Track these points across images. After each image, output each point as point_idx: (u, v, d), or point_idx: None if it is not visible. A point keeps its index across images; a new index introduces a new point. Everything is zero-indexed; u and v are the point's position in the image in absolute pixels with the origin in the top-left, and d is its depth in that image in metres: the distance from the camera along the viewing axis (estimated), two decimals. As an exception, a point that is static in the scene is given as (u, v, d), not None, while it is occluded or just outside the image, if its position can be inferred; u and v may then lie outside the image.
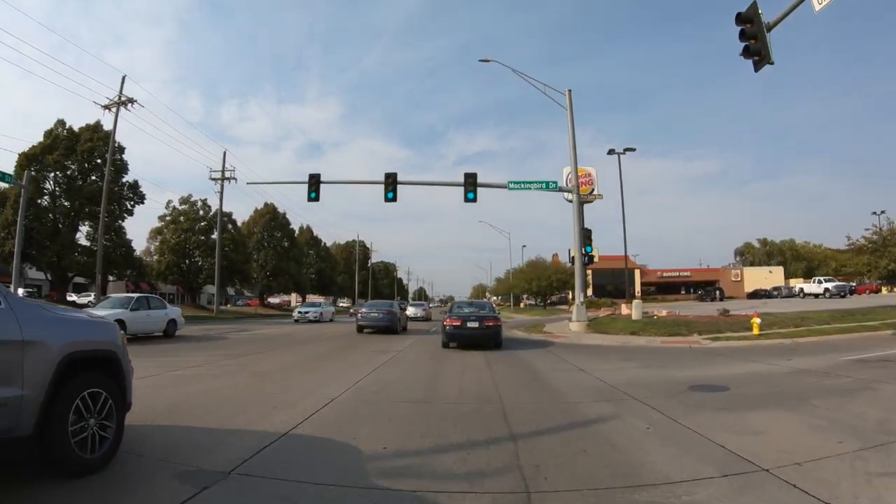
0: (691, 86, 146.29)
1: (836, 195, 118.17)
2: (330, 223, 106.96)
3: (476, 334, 12.06)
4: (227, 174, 31.01)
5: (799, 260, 69.04)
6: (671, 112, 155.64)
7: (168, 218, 38.54)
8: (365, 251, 75.42)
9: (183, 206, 39.29)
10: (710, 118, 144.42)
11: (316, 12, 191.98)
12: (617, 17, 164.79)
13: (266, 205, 49.41)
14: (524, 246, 59.93)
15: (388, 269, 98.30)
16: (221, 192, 31.37)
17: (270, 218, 49.60)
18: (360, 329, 17.85)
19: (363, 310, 19.16)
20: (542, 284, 46.11)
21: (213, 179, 30.51)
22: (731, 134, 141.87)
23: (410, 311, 26.89)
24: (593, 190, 38.98)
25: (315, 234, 61.38)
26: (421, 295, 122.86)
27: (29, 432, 2.63)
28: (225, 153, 33.50)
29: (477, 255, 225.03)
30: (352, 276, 66.41)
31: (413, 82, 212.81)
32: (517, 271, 54.27)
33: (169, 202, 39.34)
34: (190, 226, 38.13)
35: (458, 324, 12.19)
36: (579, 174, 37.22)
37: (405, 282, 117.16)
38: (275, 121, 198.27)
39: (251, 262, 45.17)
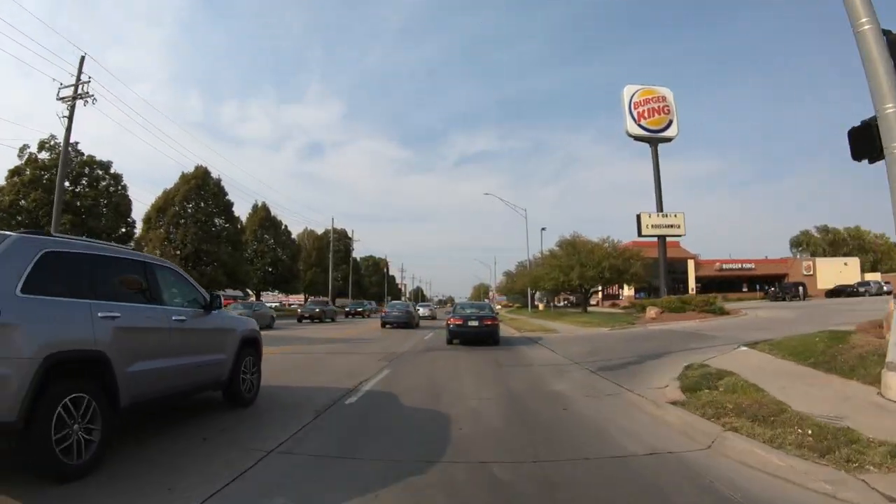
0: (694, 86, 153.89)
1: (835, 194, 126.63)
2: (330, 223, 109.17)
3: (476, 332, 15.37)
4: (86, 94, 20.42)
5: (864, 251, 69.38)
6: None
7: (27, 172, 30.33)
8: (345, 242, 70.65)
9: (44, 154, 30.92)
10: (712, 118, 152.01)
11: (317, 12, 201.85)
12: (617, 18, 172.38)
13: (197, 168, 40.60)
14: (544, 229, 53.94)
15: (377, 265, 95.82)
16: (70, 117, 20.47)
17: (199, 185, 39.77)
18: (384, 325, 25.03)
19: (386, 309, 27.76)
20: (588, 274, 34.25)
21: (62, 99, 20.63)
22: (733, 134, 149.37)
23: (422, 311, 35.72)
24: (670, 123, 28.75)
25: (274, 214, 53.93)
26: (418, 295, 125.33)
27: (226, 378, 5.75)
28: (83, 58, 20.92)
29: (478, 253, 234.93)
30: (326, 270, 59.64)
31: (414, 82, 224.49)
32: (545, 258, 42.84)
33: (24, 148, 30.60)
34: (35, 176, 29.61)
35: (460, 322, 15.51)
36: (647, 96, 29.08)
37: (398, 280, 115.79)
38: (275, 121, 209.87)
39: (135, 238, 36.18)
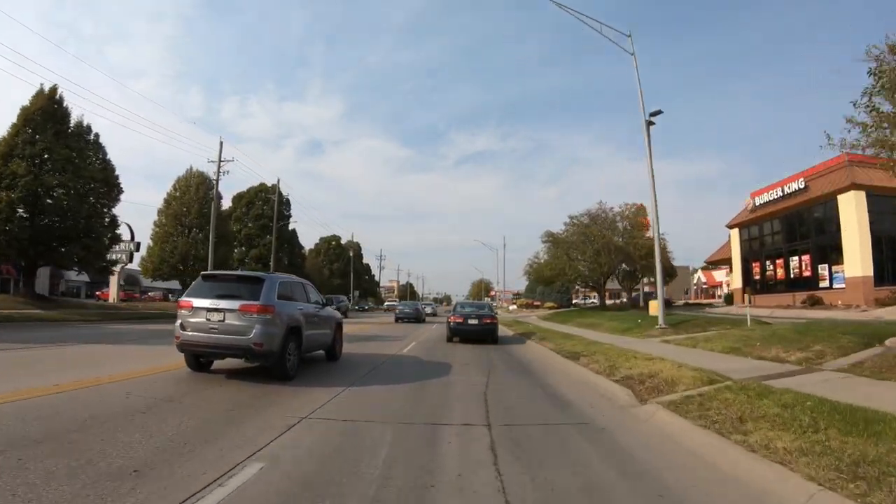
0: (694, 86, 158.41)
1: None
2: (329, 222, 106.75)
3: (476, 330, 16.67)
4: None
5: None
6: (673, 112, 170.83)
7: None
8: (274, 202, 45.83)
9: None
10: (712, 118, 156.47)
11: (319, 10, 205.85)
12: (618, 18, 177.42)
13: None
14: (654, 117, 17.68)
15: (341, 250, 75.43)
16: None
17: None
18: (398, 320, 32.07)
19: (399, 307, 35.92)
20: None
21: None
22: (732, 134, 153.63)
23: (427, 309, 44.01)
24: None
25: (66, 105, 26.82)
26: (407, 293, 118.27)
27: (329, 344, 10.67)
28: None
29: (477, 252, 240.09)
30: (222, 239, 37.54)
31: (415, 81, 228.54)
32: None
33: None
34: None
35: (460, 321, 16.79)
36: None
37: (374, 270, 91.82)
38: (276, 118, 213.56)
39: None
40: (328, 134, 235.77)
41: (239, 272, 8.89)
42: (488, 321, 16.75)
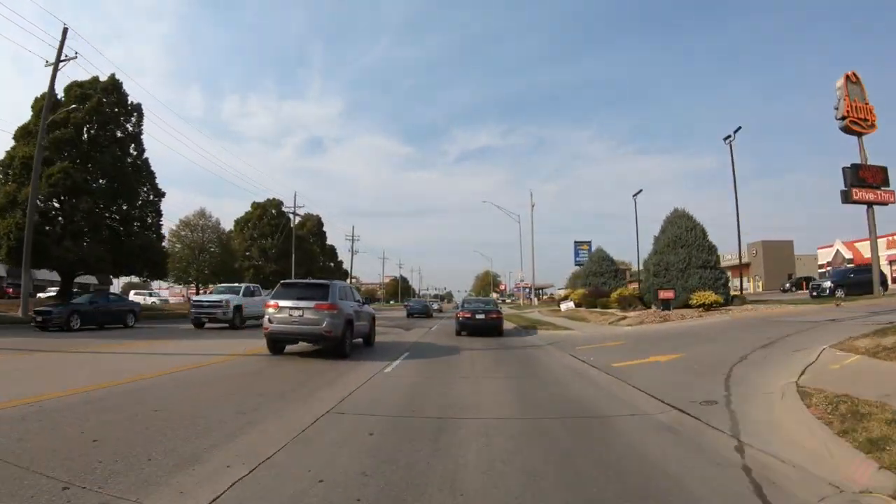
0: (694, 82, 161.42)
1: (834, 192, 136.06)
2: (329, 218, 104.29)
3: (483, 324, 18.81)
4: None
5: None
6: (674, 109, 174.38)
7: None
8: (91, 96, 27.82)
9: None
10: (713, 114, 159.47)
11: (318, 8, 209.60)
12: (618, 15, 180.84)
13: None
14: None
15: (279, 219, 54.19)
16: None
17: None
18: (409, 315, 38.23)
19: (409, 304, 44.79)
20: None
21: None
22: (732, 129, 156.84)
23: (434, 305, 51.02)
24: None
25: None
26: (399, 289, 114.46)
27: (367, 333, 14.36)
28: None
29: (478, 247, 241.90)
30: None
31: (415, 78, 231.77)
32: None
33: None
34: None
35: (468, 316, 19.00)
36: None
37: (340, 252, 71.95)
38: (276, 116, 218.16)
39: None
40: (329, 132, 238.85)
41: (310, 280, 12.46)
42: (494, 316, 18.94)
